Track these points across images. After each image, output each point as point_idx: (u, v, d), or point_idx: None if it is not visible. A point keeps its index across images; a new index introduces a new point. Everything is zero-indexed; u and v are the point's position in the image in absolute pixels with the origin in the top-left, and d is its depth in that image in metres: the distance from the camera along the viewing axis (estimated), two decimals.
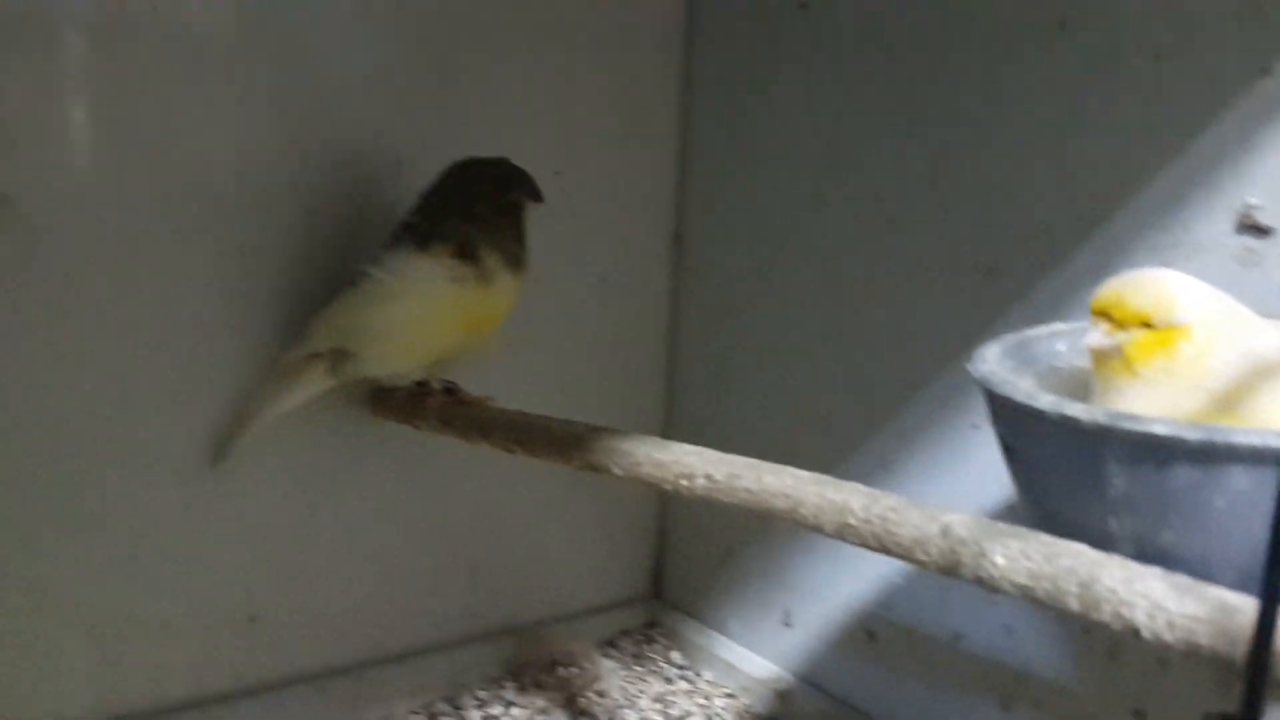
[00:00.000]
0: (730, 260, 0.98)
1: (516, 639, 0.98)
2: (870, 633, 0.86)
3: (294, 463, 0.84)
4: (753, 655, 0.98)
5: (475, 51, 0.88)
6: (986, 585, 0.44)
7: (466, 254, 0.75)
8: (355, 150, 0.83)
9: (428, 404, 0.78)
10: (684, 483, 0.57)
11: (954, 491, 0.77)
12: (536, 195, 0.78)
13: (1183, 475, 0.41)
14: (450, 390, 0.79)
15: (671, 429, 1.05)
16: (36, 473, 0.74)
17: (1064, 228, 0.70)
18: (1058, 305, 0.70)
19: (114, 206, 0.74)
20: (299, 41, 0.80)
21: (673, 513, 1.08)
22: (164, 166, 0.75)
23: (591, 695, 0.94)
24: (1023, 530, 0.45)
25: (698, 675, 1.00)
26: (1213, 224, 0.63)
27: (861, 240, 0.84)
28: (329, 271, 0.81)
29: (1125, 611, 0.39)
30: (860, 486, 0.50)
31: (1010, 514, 0.73)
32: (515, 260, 0.78)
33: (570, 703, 0.92)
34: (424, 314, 0.76)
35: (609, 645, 1.04)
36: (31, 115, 0.70)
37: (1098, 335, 0.51)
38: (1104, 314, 0.51)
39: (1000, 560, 0.44)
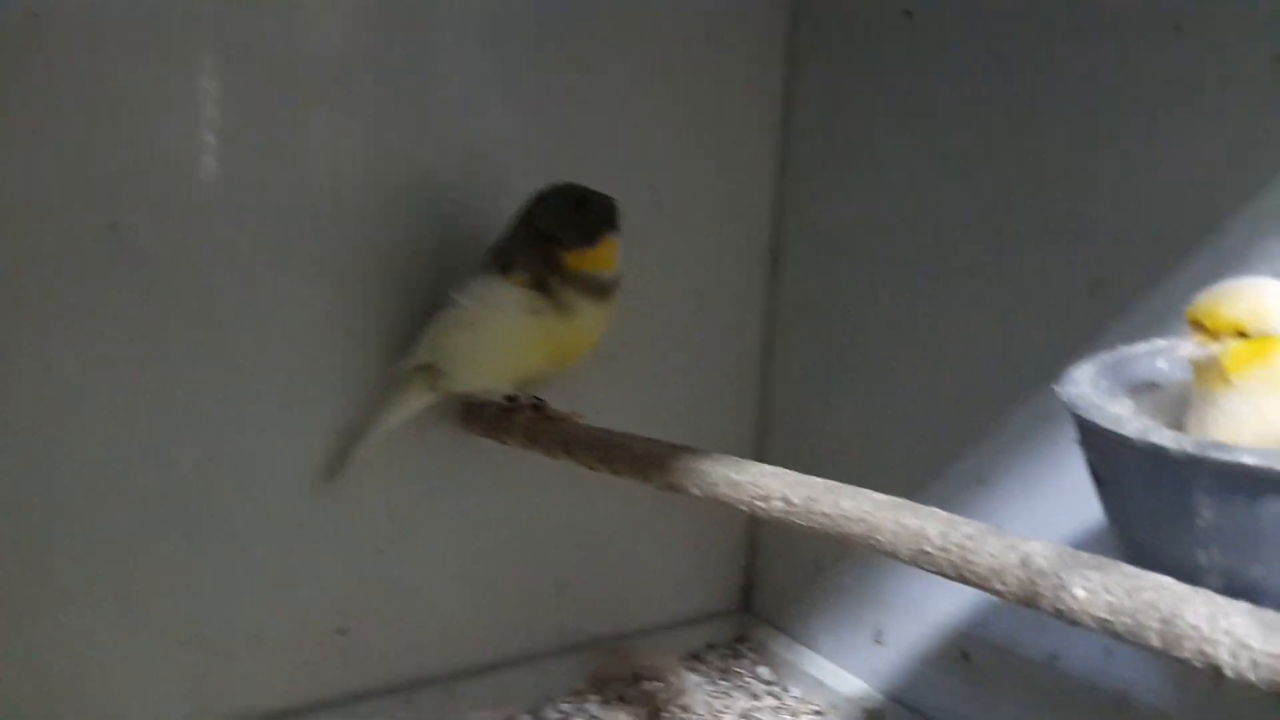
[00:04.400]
0: (827, 276, 0.97)
1: (601, 652, 0.98)
2: (964, 652, 0.84)
3: (385, 477, 0.85)
4: (842, 672, 0.96)
5: (572, 68, 0.88)
6: (1065, 618, 0.43)
7: (540, 286, 0.75)
8: (458, 175, 0.84)
9: (515, 419, 0.79)
10: (760, 505, 0.57)
11: (1054, 511, 0.75)
12: (587, 241, 0.76)
13: (1274, 507, 0.39)
14: (537, 406, 0.80)
15: (766, 446, 1.04)
16: (138, 484, 0.76)
17: (1175, 238, 0.68)
18: (1166, 320, 0.67)
19: (221, 230, 0.76)
20: (401, 66, 0.81)
21: (763, 527, 1.07)
22: (270, 189, 0.77)
23: (675, 709, 0.93)
24: (1105, 561, 0.43)
25: (785, 691, 0.99)
26: None
27: (965, 254, 0.83)
28: (431, 290, 0.82)
29: (1208, 649, 0.37)
30: (939, 512, 0.49)
31: (1107, 538, 0.71)
32: (598, 290, 0.77)
33: (654, 717, 0.92)
34: (503, 343, 0.77)
35: (695, 659, 1.03)
36: (139, 142, 0.72)
37: (1191, 346, 0.49)
38: (1198, 324, 0.49)
39: (1080, 593, 0.42)
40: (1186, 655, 0.38)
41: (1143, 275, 0.70)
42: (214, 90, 0.74)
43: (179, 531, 0.78)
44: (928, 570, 0.48)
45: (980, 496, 0.81)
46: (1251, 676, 0.36)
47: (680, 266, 0.98)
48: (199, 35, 0.73)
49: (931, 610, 0.87)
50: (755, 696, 0.97)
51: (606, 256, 0.77)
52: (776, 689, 0.99)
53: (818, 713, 0.95)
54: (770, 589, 1.07)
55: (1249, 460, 0.39)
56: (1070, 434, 0.73)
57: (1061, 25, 0.75)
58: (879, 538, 0.50)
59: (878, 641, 0.93)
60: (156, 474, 0.77)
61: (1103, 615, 0.41)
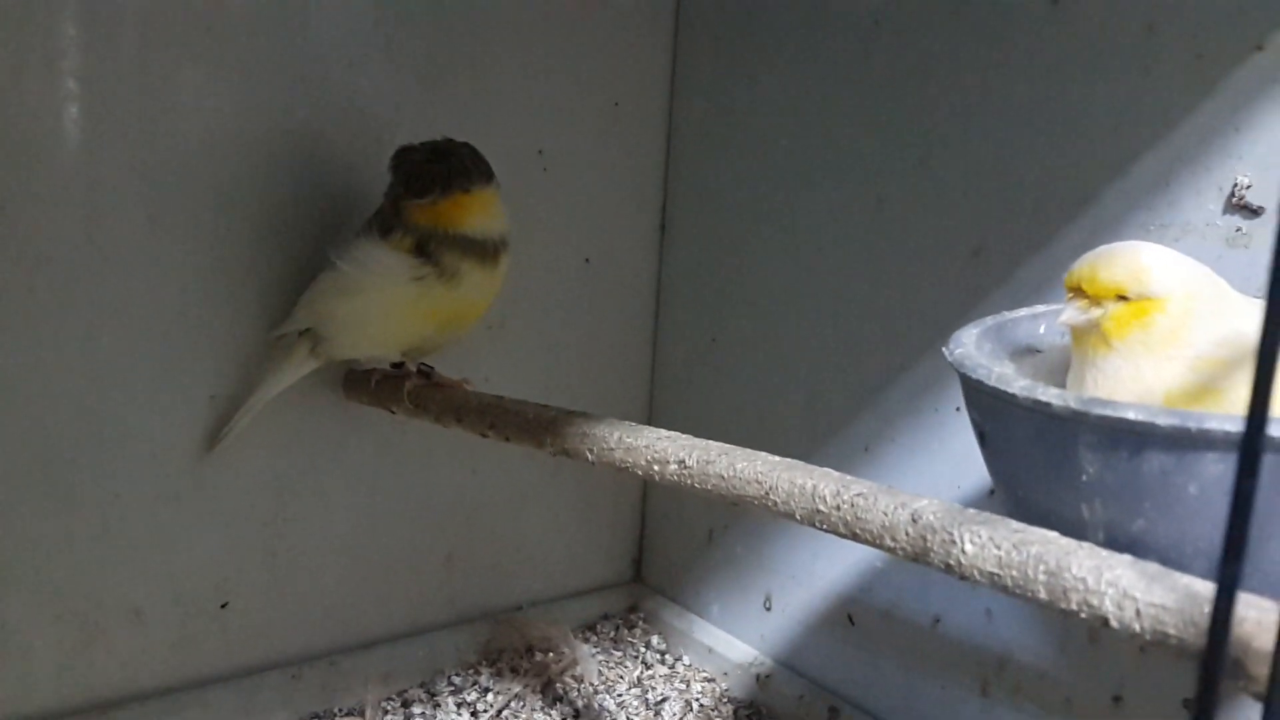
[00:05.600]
0: (717, 244, 0.97)
1: (492, 624, 0.97)
2: (850, 616, 0.86)
3: (268, 447, 0.83)
4: (733, 639, 0.97)
5: (461, 29, 0.87)
6: (955, 573, 0.44)
7: (423, 252, 0.72)
8: (337, 132, 0.82)
9: (402, 386, 0.77)
10: (656, 469, 0.57)
11: (938, 476, 0.77)
12: (413, 191, 0.72)
13: (1156, 461, 0.41)
14: (425, 374, 0.78)
15: (656, 414, 1.05)
16: (6, 452, 0.73)
17: (1052, 208, 0.69)
18: (1044, 287, 0.70)
19: (90, 190, 0.73)
20: (281, 23, 0.78)
21: (654, 495, 1.08)
22: (141, 148, 0.74)
23: (569, 680, 0.93)
24: (992, 517, 0.44)
25: (677, 659, 0.99)
26: (1202, 204, 0.62)
27: (849, 223, 0.84)
28: (314, 251, 0.80)
29: (1093, 601, 0.38)
30: (832, 472, 0.50)
31: (992, 501, 0.73)
32: (483, 253, 0.74)
33: (547, 687, 0.92)
34: (387, 311, 0.74)
35: (589, 630, 1.03)
36: (7, 101, 0.69)
37: (1072, 311, 0.50)
38: (1078, 289, 0.50)
39: (969, 548, 0.43)
40: (1073, 607, 0.38)
41: (1021, 243, 0.71)
42: (76, 42, 0.71)
43: (52, 502, 0.75)
44: (821, 529, 0.49)
45: (866, 463, 0.82)
46: (1136, 627, 0.37)
47: (570, 233, 0.97)
48: None
49: (819, 576, 0.88)
50: (648, 665, 0.98)
51: (458, 212, 0.73)
52: (669, 657, 1.00)
53: (708, 679, 0.96)
54: (661, 559, 1.07)
55: (1132, 415, 0.40)
56: (953, 400, 0.76)
57: (943, 4, 0.76)
58: (774, 498, 0.50)
59: (767, 608, 0.94)
60: (26, 443, 0.73)
61: (991, 569, 0.42)
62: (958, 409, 0.75)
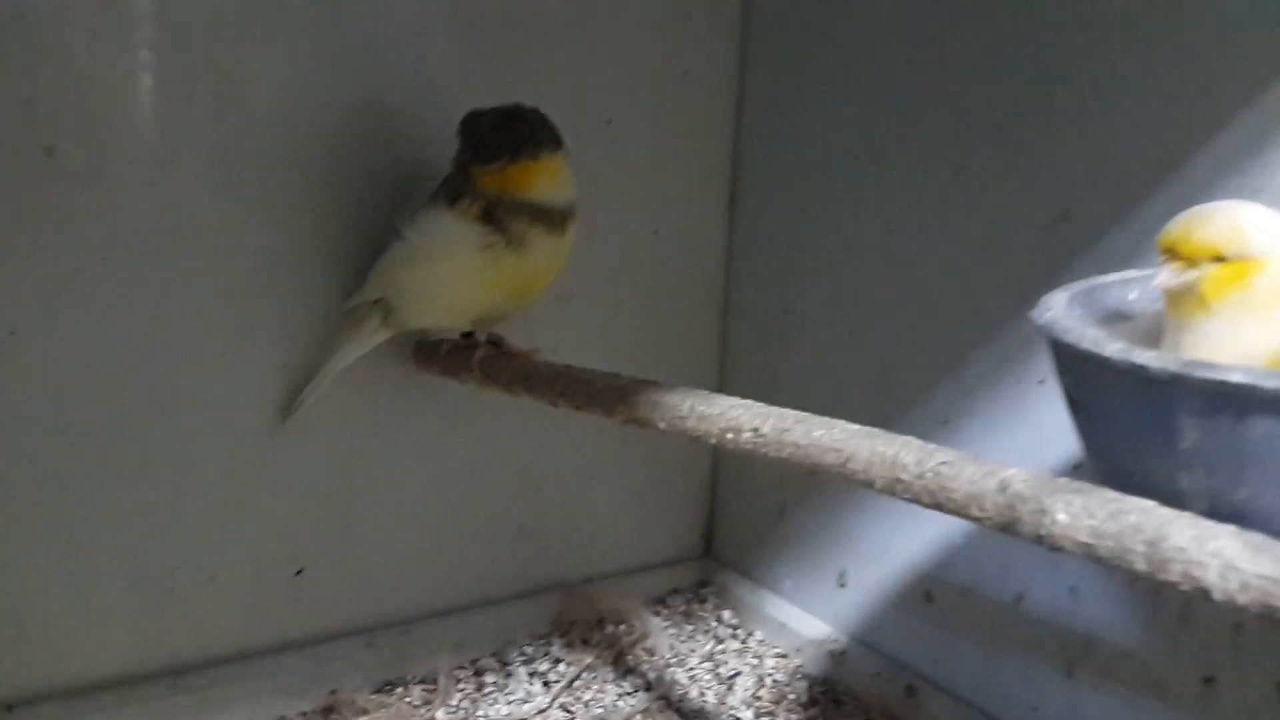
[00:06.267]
0: (788, 214, 0.95)
1: (564, 595, 0.97)
2: (928, 593, 0.84)
3: (340, 417, 0.83)
4: (806, 615, 0.96)
5: None
6: (1046, 543, 0.42)
7: (491, 219, 0.71)
8: (405, 101, 0.82)
9: (472, 356, 0.76)
10: (730, 437, 0.55)
11: (1017, 450, 0.74)
12: (484, 157, 0.71)
13: (1260, 426, 0.38)
14: (496, 343, 0.77)
15: (726, 387, 1.03)
16: (84, 419, 0.74)
17: (1139, 173, 0.66)
18: (1132, 255, 0.66)
19: (163, 159, 0.73)
20: None
21: (725, 469, 1.07)
22: (212, 119, 0.74)
23: (640, 653, 0.92)
24: (1086, 486, 0.42)
25: (749, 635, 0.98)
26: None
27: (925, 189, 0.81)
28: (383, 223, 0.80)
29: (1195, 572, 0.36)
30: (914, 440, 0.48)
31: (1077, 476, 0.70)
32: (552, 220, 0.73)
33: (618, 660, 0.91)
34: (455, 279, 0.73)
35: (659, 603, 1.02)
36: (78, 67, 0.69)
37: (1167, 274, 0.48)
38: (1172, 251, 0.48)
39: (1061, 517, 0.41)
40: (1173, 578, 0.37)
41: (1106, 209, 0.69)
42: (148, 13, 0.71)
43: (128, 468, 0.76)
44: (903, 499, 0.47)
45: (945, 437, 0.80)
46: (1241, 599, 0.35)
47: (638, 204, 0.96)
48: None
49: (895, 552, 0.86)
50: (719, 640, 0.97)
51: (527, 177, 0.72)
52: (740, 632, 0.99)
53: (781, 655, 0.95)
54: (732, 533, 1.06)
55: (1236, 378, 0.38)
56: (1035, 372, 0.74)
57: None
58: (853, 466, 0.48)
59: (841, 584, 0.92)
60: (103, 409, 0.74)
61: (1085, 540, 0.40)
62: (1041, 381, 0.73)
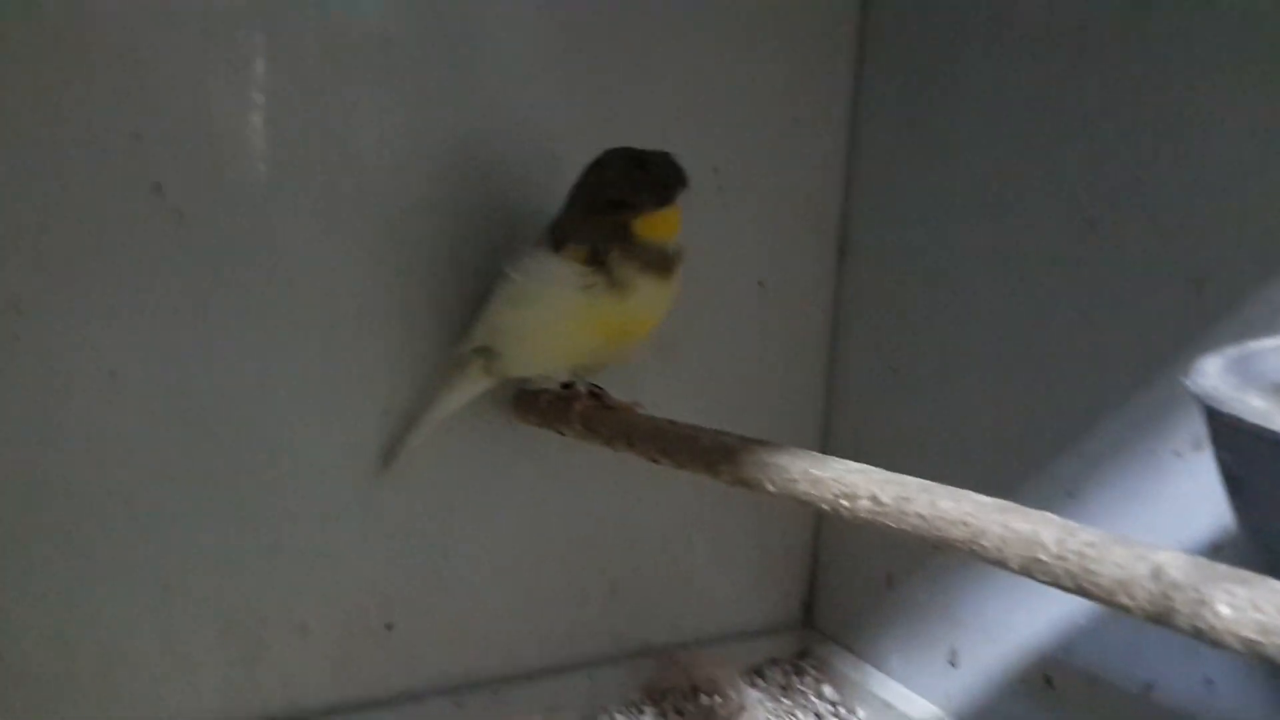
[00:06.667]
0: (900, 267, 0.91)
1: (657, 661, 0.94)
2: (1047, 678, 0.78)
3: (437, 468, 0.82)
4: (913, 695, 0.91)
5: (635, 41, 0.84)
6: (1206, 638, 0.37)
7: (596, 259, 0.69)
8: (509, 147, 0.81)
9: (573, 407, 0.74)
10: (845, 504, 0.52)
11: (1151, 528, 0.69)
12: (658, 199, 0.70)
13: None
14: (596, 394, 0.75)
15: (829, 448, 0.99)
16: (182, 463, 0.73)
17: None
18: (1274, 320, 0.62)
19: (270, 200, 0.73)
20: (454, 39, 0.77)
21: (828, 533, 1.02)
22: (321, 161, 0.74)
23: None
24: (1250, 575, 0.38)
25: (851, 713, 0.93)
26: None
27: (1052, 247, 0.77)
28: (487, 268, 0.79)
29: None
30: (1052, 517, 0.44)
31: (1218, 556, 0.65)
32: (659, 263, 0.71)
33: None
34: (556, 321, 0.72)
35: (755, 674, 0.98)
36: (187, 104, 0.70)
37: None
38: None
39: (1224, 610, 0.37)
40: None
41: (1250, 271, 0.64)
42: (260, 55, 0.71)
43: (223, 514, 0.75)
44: (1041, 581, 0.43)
45: (1070, 510, 0.75)
46: None
47: (744, 255, 0.93)
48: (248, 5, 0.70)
49: (1012, 630, 0.81)
50: (819, 716, 0.92)
51: (674, 220, 0.71)
52: (842, 710, 0.94)
53: None
54: (835, 603, 1.02)
55: None
56: (1171, 442, 0.69)
57: (1161, 5, 0.69)
58: (984, 543, 0.44)
59: (952, 663, 0.87)
60: (201, 453, 0.74)
61: (1251, 636, 0.36)
62: (1177, 453, 0.68)
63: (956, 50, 0.85)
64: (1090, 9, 0.74)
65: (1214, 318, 0.66)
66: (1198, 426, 0.66)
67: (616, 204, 0.70)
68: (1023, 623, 0.80)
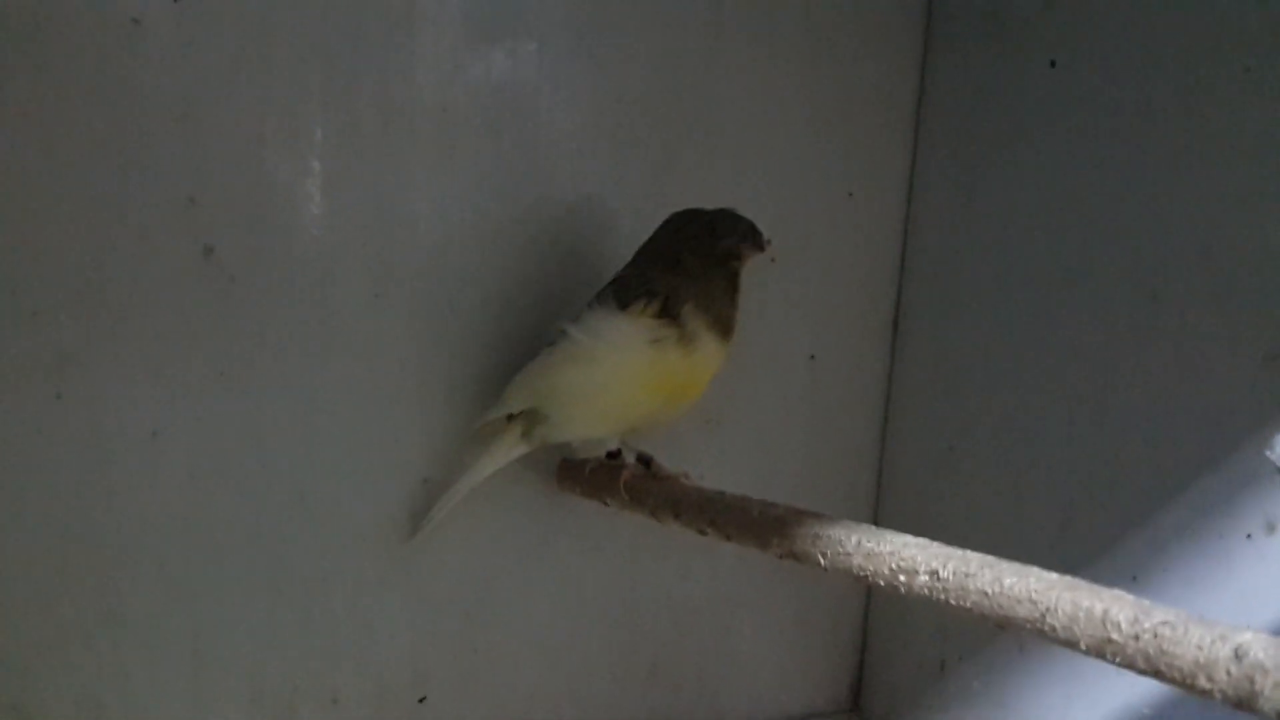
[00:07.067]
0: (957, 343, 0.89)
1: None
2: None
3: (473, 537, 0.80)
4: None
5: (690, 115, 0.84)
6: None
7: (668, 312, 0.69)
8: (563, 217, 0.80)
9: (621, 476, 0.73)
10: (903, 579, 0.50)
11: (1224, 613, 0.65)
12: (756, 243, 0.72)
13: None
14: (645, 462, 0.74)
15: (881, 525, 0.96)
16: (218, 524, 0.72)
17: None
18: None
19: (318, 265, 0.73)
20: (511, 110, 0.78)
21: (878, 615, 0.99)
22: (368, 228, 0.74)
23: None
24: None
25: None
26: None
27: (1115, 321, 0.75)
28: (528, 338, 0.78)
29: None
30: (1125, 595, 0.42)
31: None
32: (723, 322, 0.71)
33: None
34: (618, 376, 0.71)
35: None
36: (239, 166, 0.70)
37: None
38: None
39: None
40: None
41: None
42: (316, 123, 0.72)
43: (258, 578, 0.74)
44: (1113, 663, 0.40)
45: (1134, 594, 0.71)
46: None
47: (795, 327, 0.92)
48: (304, 65, 0.71)
49: None
50: None
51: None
52: None
53: None
54: (884, 689, 0.98)
55: None
56: (1242, 526, 0.66)
57: (1224, 73, 0.68)
58: (1052, 622, 0.42)
59: None
60: (238, 518, 0.72)
61: None
62: (1248, 536, 0.65)
63: (1014, 124, 0.84)
64: (1152, 80, 0.73)
65: None
66: (1270, 507, 0.64)
67: (728, 254, 0.71)
68: (1084, 713, 0.76)
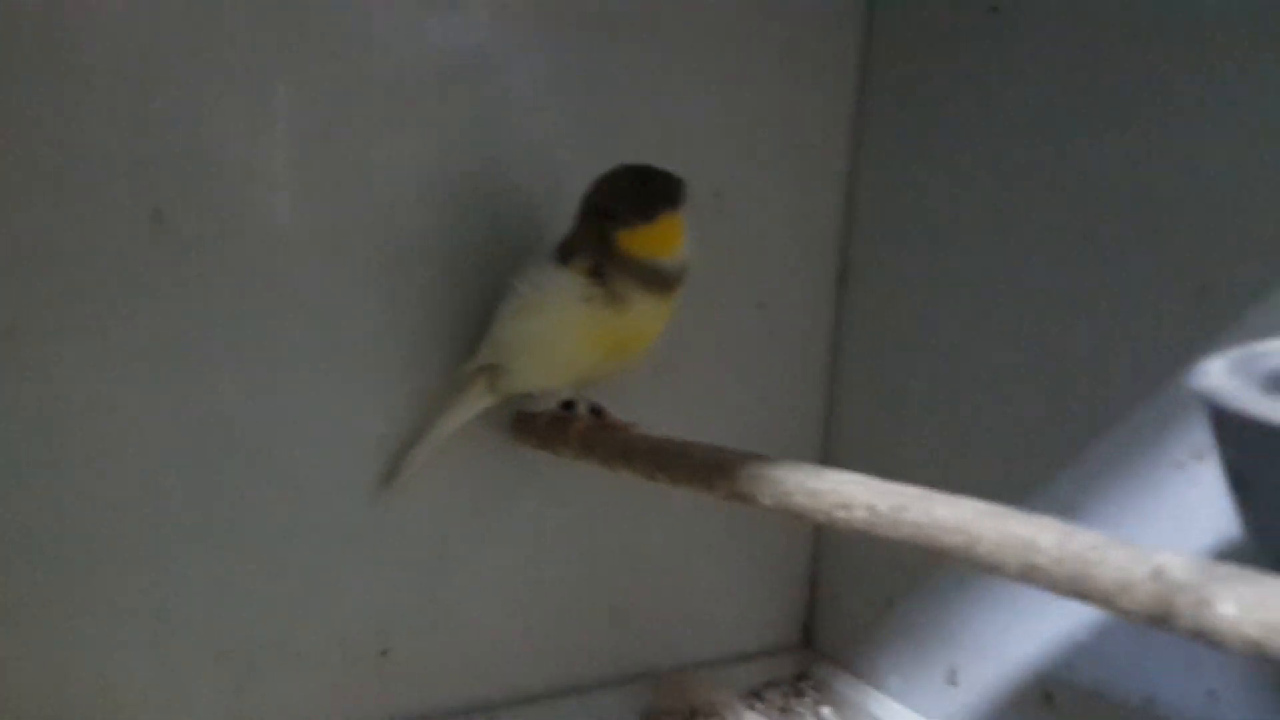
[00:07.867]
0: (901, 287, 0.91)
1: (655, 684, 0.92)
2: (1048, 694, 0.78)
3: (433, 491, 0.81)
4: (913, 714, 0.89)
5: (641, 68, 0.85)
6: (1209, 639, 0.37)
7: (599, 272, 0.70)
8: (516, 174, 0.81)
9: (572, 427, 0.74)
10: (841, 514, 0.51)
11: (1153, 539, 0.67)
12: (641, 215, 0.70)
13: None
14: (596, 413, 0.75)
15: (830, 466, 0.98)
16: (175, 488, 0.72)
17: None
18: (1276, 329, 0.61)
19: (270, 222, 0.73)
20: (462, 65, 0.78)
21: (827, 555, 1.01)
22: (322, 182, 0.74)
23: None
24: (1254, 574, 0.37)
25: None
26: None
27: (1052, 261, 0.77)
28: (492, 290, 0.78)
29: None
30: (1052, 520, 0.44)
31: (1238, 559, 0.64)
32: (659, 282, 0.71)
33: None
34: (557, 331, 0.72)
35: (754, 696, 0.97)
36: (186, 126, 0.69)
37: None
38: None
39: (1228, 609, 0.36)
40: None
41: (1254, 280, 0.64)
42: (270, 82, 0.71)
43: (218, 540, 0.74)
44: (1039, 586, 0.42)
45: (1068, 523, 0.74)
46: None
47: (744, 277, 0.93)
48: (258, 26, 0.70)
49: (1011, 648, 0.80)
50: None
51: (663, 238, 0.70)
52: None
53: None
54: (834, 624, 1.01)
55: None
56: (1172, 454, 0.68)
57: (1162, 18, 0.69)
58: (981, 549, 0.44)
59: (952, 682, 0.86)
60: (195, 479, 0.73)
61: (1256, 636, 0.35)
62: (1177, 464, 0.68)
63: (957, 71, 0.85)
64: (1094, 23, 0.74)
65: (1218, 327, 0.66)
66: (1197, 437, 0.66)
67: (601, 214, 0.71)
68: (1021, 640, 0.79)
